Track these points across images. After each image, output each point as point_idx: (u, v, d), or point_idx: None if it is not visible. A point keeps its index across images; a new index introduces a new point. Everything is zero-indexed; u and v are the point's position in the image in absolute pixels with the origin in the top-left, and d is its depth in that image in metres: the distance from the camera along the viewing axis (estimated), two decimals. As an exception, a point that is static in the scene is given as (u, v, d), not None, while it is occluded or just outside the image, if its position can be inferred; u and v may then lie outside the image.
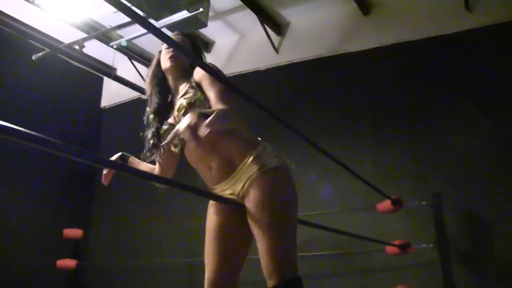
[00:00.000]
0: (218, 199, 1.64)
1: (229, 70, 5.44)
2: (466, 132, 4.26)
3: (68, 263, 4.93)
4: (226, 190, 1.63)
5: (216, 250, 1.63)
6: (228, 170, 1.60)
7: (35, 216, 5.17)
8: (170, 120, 1.75)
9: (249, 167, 1.56)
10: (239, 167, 1.58)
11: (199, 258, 4.92)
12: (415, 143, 4.46)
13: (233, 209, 1.66)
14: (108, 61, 5.95)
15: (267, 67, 5.28)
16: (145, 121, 1.87)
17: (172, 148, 1.69)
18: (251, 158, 1.58)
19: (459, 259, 3.99)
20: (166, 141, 1.42)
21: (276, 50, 5.23)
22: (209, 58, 5.59)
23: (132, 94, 6.04)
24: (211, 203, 1.77)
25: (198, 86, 1.67)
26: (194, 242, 5.01)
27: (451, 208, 4.03)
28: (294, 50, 5.20)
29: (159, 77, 1.85)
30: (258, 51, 5.39)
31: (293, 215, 1.59)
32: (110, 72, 5.74)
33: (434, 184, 4.13)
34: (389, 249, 3.78)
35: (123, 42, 4.86)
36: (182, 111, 1.62)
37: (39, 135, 1.00)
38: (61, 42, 4.89)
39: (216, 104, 1.54)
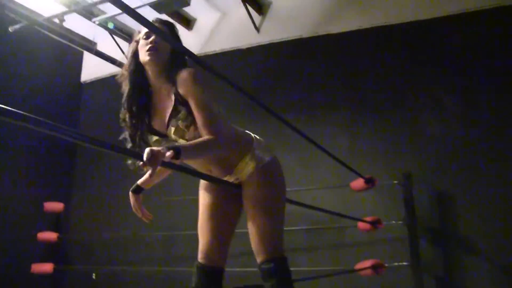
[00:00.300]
0: (217, 181, 1.77)
1: (210, 48, 5.49)
2: (437, 115, 4.45)
3: (49, 236, 5.01)
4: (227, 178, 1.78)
5: (210, 225, 1.78)
6: (228, 169, 1.74)
7: (15, 190, 5.20)
8: (157, 126, 1.68)
9: (247, 164, 1.72)
10: (238, 165, 1.72)
11: (176, 231, 5.06)
12: (389, 125, 4.63)
13: (225, 190, 1.81)
14: (89, 36, 5.90)
15: (248, 46, 5.34)
16: (121, 120, 1.77)
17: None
18: (248, 157, 1.72)
19: (426, 235, 4.22)
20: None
21: (257, 29, 5.27)
22: (190, 35, 5.62)
23: (113, 69, 6.02)
24: (203, 184, 1.87)
25: (185, 102, 1.59)
26: (171, 217, 5.16)
27: (420, 187, 4.24)
28: (275, 30, 5.25)
29: (136, 74, 1.71)
30: (240, 29, 5.42)
31: (283, 201, 1.79)
32: (90, 46, 5.71)
33: (405, 165, 4.33)
34: (361, 225, 3.97)
35: (109, 24, 4.84)
36: (180, 134, 1.60)
37: (19, 112, 1.01)
38: (40, 16, 4.84)
39: (202, 131, 1.53)
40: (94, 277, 5.48)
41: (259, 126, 4.78)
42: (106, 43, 5.84)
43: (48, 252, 5.36)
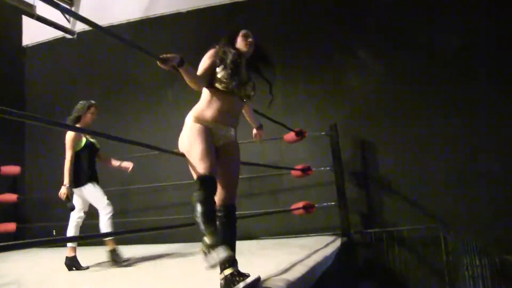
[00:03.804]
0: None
1: (151, 12, 5.68)
2: (360, 73, 5.01)
3: (9, 197, 5.26)
4: (228, 131, 2.47)
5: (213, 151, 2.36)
6: (234, 124, 2.48)
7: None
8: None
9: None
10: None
11: (131, 186, 5.37)
12: (317, 84, 5.15)
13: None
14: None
15: (188, 9, 5.57)
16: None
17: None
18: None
19: (351, 178, 4.86)
20: None
21: (195, -7, 5.52)
22: (133, 0, 5.74)
23: (57, 33, 6.06)
24: (205, 130, 2.35)
25: None
26: (125, 173, 5.48)
27: (345, 137, 4.83)
28: (213, -6, 5.49)
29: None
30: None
31: None
32: (30, 11, 5.68)
33: (331, 117, 4.87)
34: (294, 172, 4.48)
35: None
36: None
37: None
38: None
39: None
40: (54, 233, 5.76)
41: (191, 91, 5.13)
42: (46, 5, 5.83)
43: (9, 212, 5.62)
